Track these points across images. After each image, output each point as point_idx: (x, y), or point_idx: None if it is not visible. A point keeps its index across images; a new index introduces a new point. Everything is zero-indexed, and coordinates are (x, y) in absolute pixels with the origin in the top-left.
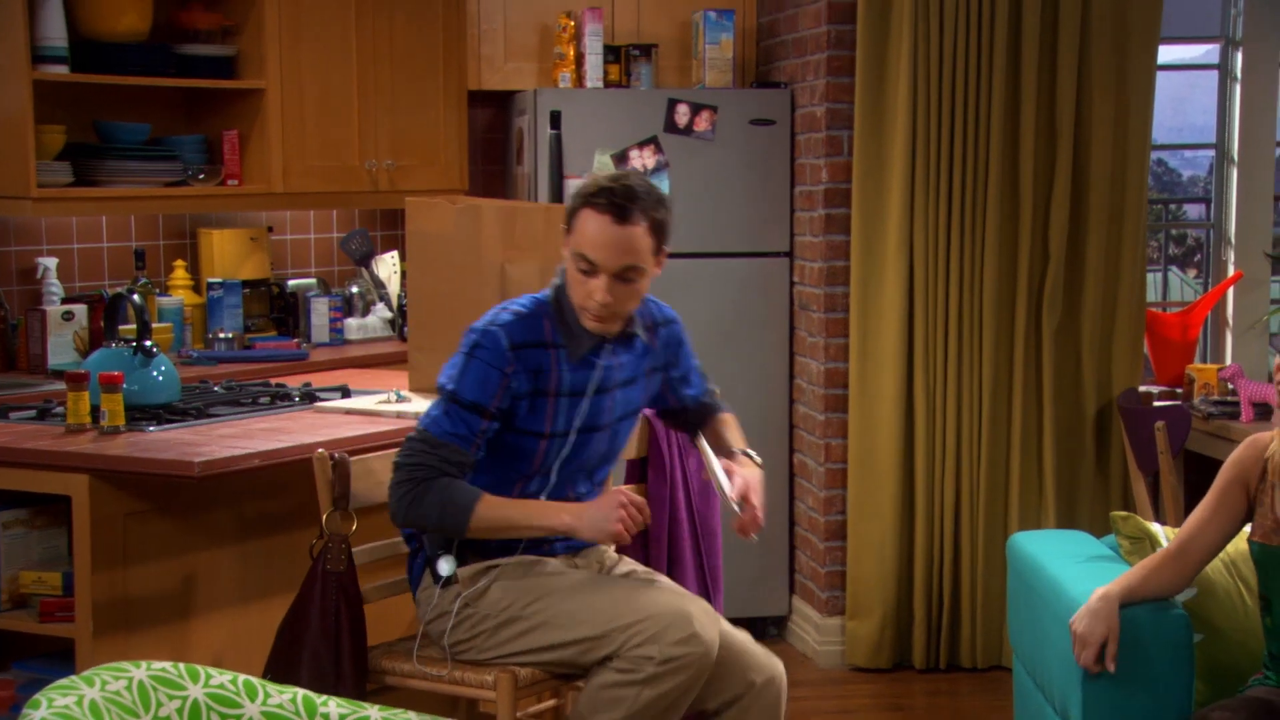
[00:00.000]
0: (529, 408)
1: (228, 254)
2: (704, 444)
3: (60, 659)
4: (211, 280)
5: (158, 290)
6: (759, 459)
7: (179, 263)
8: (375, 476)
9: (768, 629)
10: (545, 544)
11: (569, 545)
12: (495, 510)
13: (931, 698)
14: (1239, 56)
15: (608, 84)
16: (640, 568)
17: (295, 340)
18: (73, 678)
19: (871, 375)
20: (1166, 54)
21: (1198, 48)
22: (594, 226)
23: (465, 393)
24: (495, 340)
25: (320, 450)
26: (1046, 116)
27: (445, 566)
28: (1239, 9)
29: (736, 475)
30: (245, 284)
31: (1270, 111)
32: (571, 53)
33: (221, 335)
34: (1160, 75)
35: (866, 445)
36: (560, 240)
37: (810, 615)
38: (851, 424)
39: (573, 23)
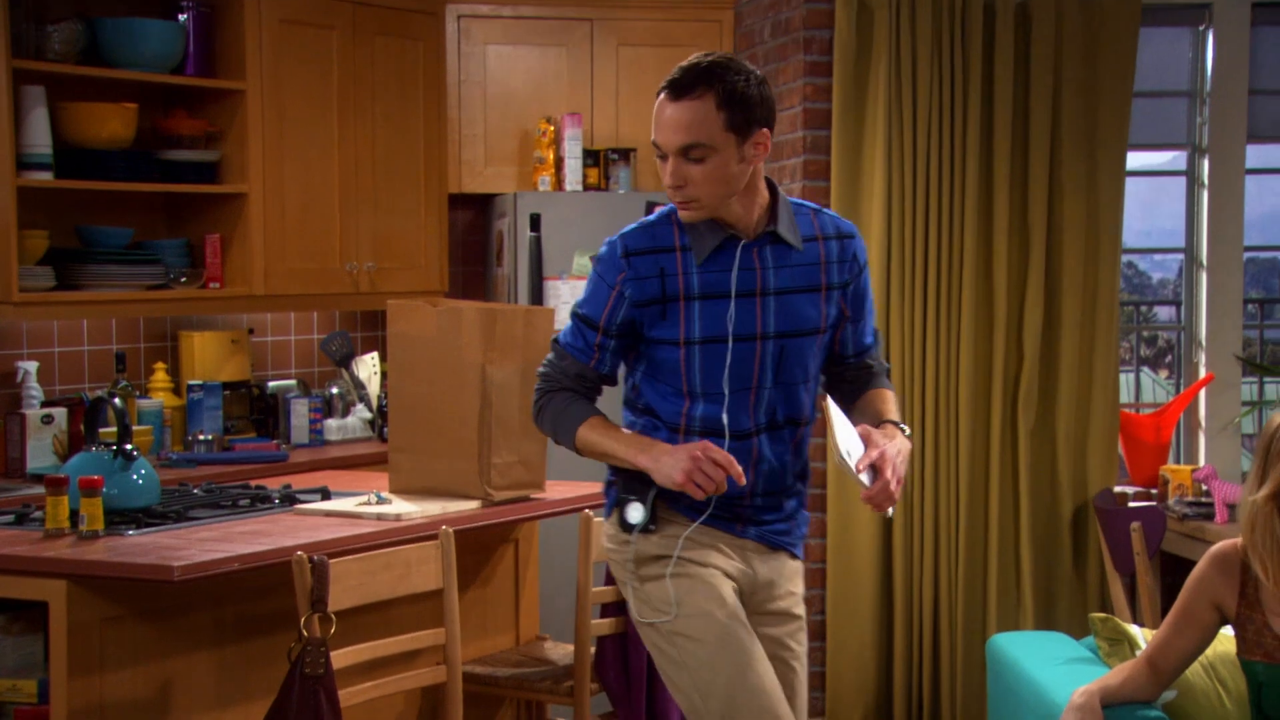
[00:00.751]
0: (660, 314)
1: (208, 356)
2: (830, 405)
3: None
4: (192, 382)
5: (138, 393)
6: (908, 431)
7: (159, 365)
8: (354, 579)
9: None
10: (739, 520)
11: (761, 531)
12: (595, 435)
13: None
14: (1205, 163)
15: (587, 187)
16: (791, 640)
17: (275, 441)
18: None
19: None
20: (1135, 160)
21: (1165, 154)
22: (659, 111)
23: (582, 305)
24: (612, 250)
25: (299, 553)
26: (1019, 219)
27: (633, 515)
28: (1204, 117)
29: (872, 445)
30: (225, 386)
31: (1237, 216)
32: (551, 157)
33: (201, 437)
34: (1129, 180)
35: (845, 545)
36: (540, 340)
37: None
38: (830, 524)
39: (552, 128)
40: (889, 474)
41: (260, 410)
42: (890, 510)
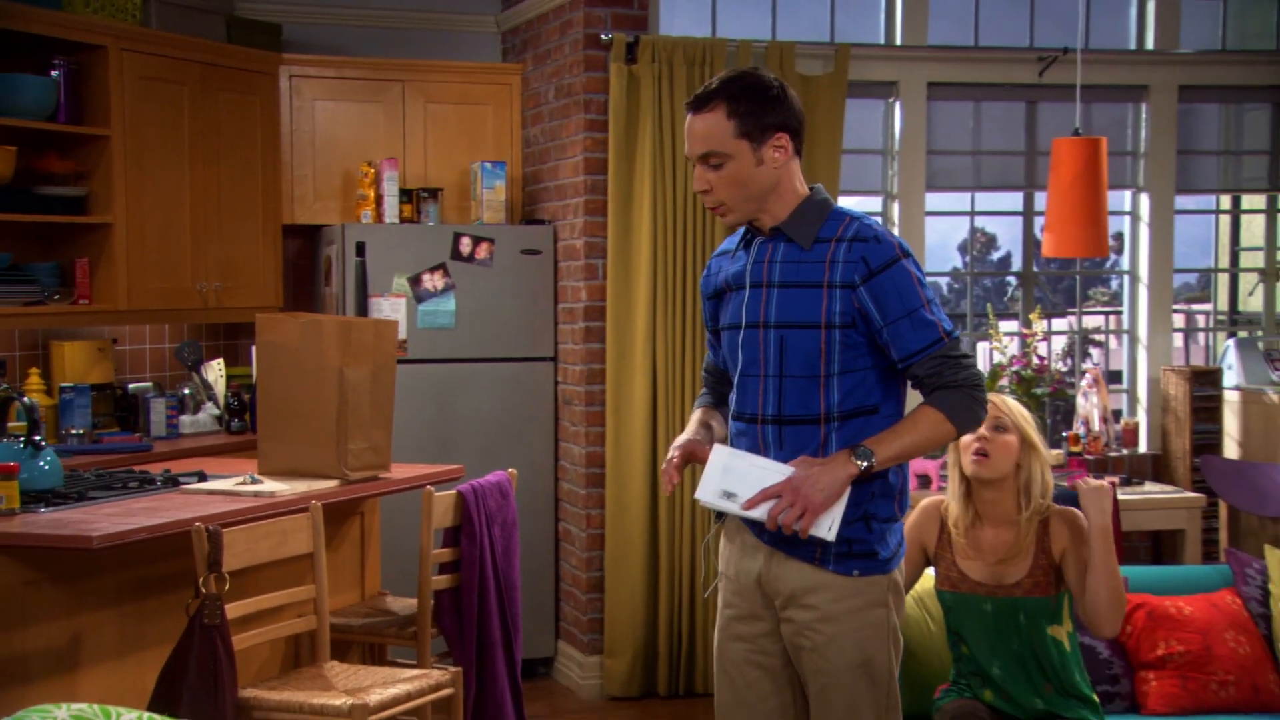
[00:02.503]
0: (719, 305)
1: (77, 362)
2: (715, 449)
3: None
4: (63, 385)
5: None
6: (867, 459)
7: (33, 370)
8: (242, 545)
9: (538, 668)
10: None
11: (772, 535)
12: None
13: (674, 717)
14: (895, 206)
15: (402, 220)
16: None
17: (137, 435)
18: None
19: (624, 458)
20: (843, 203)
21: (865, 199)
22: (686, 124)
23: None
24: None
25: (197, 524)
26: None
27: None
28: (895, 171)
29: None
30: (93, 387)
31: (920, 249)
32: (372, 194)
33: (73, 431)
34: None
35: (620, 514)
36: (387, 346)
37: (574, 655)
38: (608, 497)
39: (373, 169)
40: (785, 499)
41: (123, 408)
42: (820, 533)
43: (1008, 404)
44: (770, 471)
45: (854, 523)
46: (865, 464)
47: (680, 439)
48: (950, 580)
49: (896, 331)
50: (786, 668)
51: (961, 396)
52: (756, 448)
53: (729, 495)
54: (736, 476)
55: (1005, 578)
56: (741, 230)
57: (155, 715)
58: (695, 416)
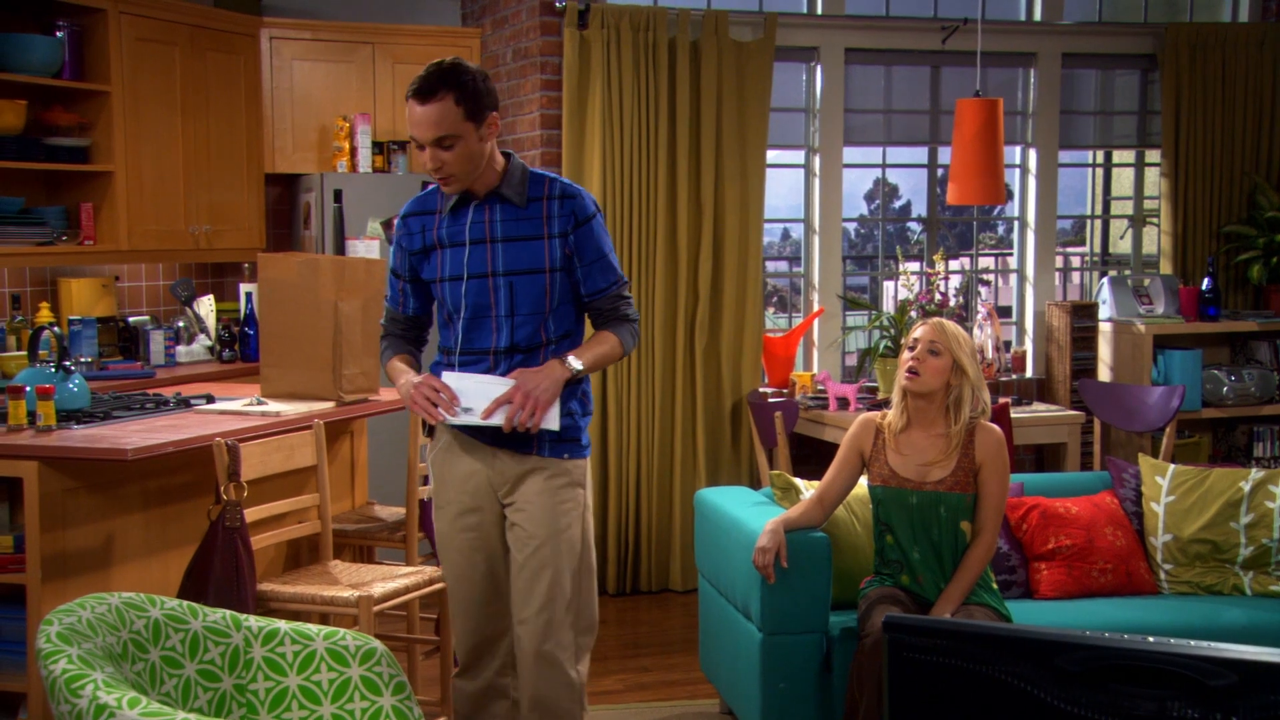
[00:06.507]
0: (424, 260)
1: (84, 297)
2: (444, 375)
3: (12, 602)
4: (72, 317)
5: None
6: (576, 364)
7: (44, 304)
8: (256, 458)
9: None
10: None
11: (500, 438)
12: (389, 368)
13: (621, 613)
14: (816, 159)
15: (375, 169)
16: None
17: (140, 363)
18: (69, 604)
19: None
20: (769, 156)
21: (790, 152)
22: (411, 111)
23: (390, 263)
24: (400, 217)
25: (218, 439)
26: (694, 198)
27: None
28: (816, 127)
29: (515, 387)
30: (98, 320)
31: (838, 197)
32: (347, 146)
33: (82, 360)
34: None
35: None
36: (377, 283)
37: None
38: None
39: (347, 123)
40: (517, 403)
41: (125, 339)
42: (549, 425)
43: (946, 331)
44: (496, 385)
45: (563, 417)
46: (576, 369)
47: (417, 378)
48: (882, 476)
49: (589, 271)
50: (499, 550)
51: (630, 328)
52: (489, 374)
53: (466, 410)
54: (468, 395)
55: (930, 476)
56: (438, 197)
57: (192, 603)
58: (400, 365)
